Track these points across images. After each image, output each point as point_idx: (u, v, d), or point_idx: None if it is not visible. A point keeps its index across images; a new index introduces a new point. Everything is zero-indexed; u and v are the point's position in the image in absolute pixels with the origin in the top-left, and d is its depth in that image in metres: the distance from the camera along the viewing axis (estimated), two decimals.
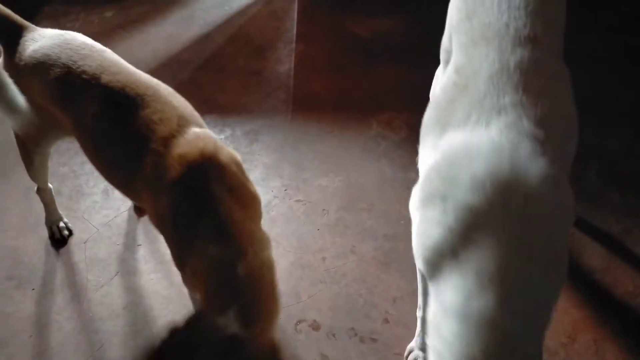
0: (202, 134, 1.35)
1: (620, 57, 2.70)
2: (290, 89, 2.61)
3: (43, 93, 1.49)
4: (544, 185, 1.02)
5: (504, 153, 1.04)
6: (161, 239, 1.42)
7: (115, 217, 2.07)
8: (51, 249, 1.98)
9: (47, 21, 3.00)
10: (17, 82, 1.46)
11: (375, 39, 2.88)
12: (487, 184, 1.01)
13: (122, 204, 2.11)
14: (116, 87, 1.39)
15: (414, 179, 1.30)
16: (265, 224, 1.99)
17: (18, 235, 2.02)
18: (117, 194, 2.14)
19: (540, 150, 1.05)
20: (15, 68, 1.51)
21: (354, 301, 1.80)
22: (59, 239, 1.99)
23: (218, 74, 2.70)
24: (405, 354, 1.64)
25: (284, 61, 2.77)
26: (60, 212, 2.01)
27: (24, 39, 1.54)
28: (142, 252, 1.96)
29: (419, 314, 1.58)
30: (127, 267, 1.91)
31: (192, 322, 1.16)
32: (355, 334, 1.71)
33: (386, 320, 1.74)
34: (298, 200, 2.12)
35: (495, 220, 0.99)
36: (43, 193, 1.93)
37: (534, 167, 1.03)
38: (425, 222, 1.12)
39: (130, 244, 1.98)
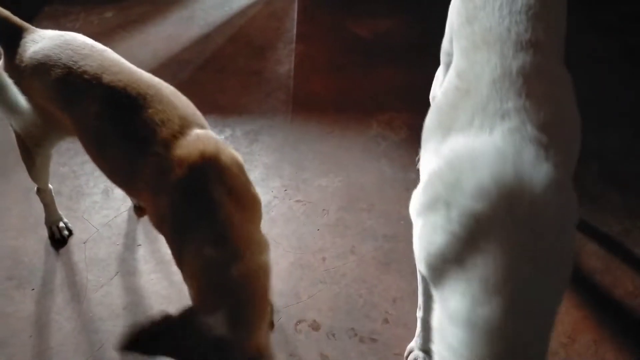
0: (203, 135, 1.35)
1: (620, 57, 2.70)
2: (290, 89, 2.61)
3: (44, 94, 1.49)
4: (548, 191, 1.01)
5: (508, 159, 1.04)
6: (161, 239, 1.42)
7: (115, 217, 2.07)
8: (51, 249, 1.98)
9: (47, 21, 3.00)
10: (18, 84, 1.46)
11: (376, 39, 2.88)
12: (492, 191, 1.00)
13: (122, 204, 2.11)
14: (118, 86, 1.38)
15: (414, 179, 1.30)
16: (265, 224, 2.00)
17: (18, 235, 2.02)
18: (117, 194, 2.14)
19: (544, 156, 1.05)
20: (16, 69, 1.51)
21: (354, 301, 1.80)
22: (58, 239, 1.99)
23: (218, 74, 2.70)
24: (405, 354, 1.64)
25: (284, 61, 2.77)
26: (60, 212, 2.01)
27: (24, 40, 1.54)
28: (142, 252, 1.96)
29: (419, 314, 1.58)
30: (127, 267, 1.91)
31: (182, 320, 1.15)
32: (355, 334, 1.71)
33: (386, 321, 1.74)
34: (298, 201, 2.12)
35: (500, 226, 0.99)
36: (43, 194, 1.93)
37: (538, 173, 1.02)
38: (429, 228, 1.11)
39: (130, 244, 1.98)
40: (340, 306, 1.79)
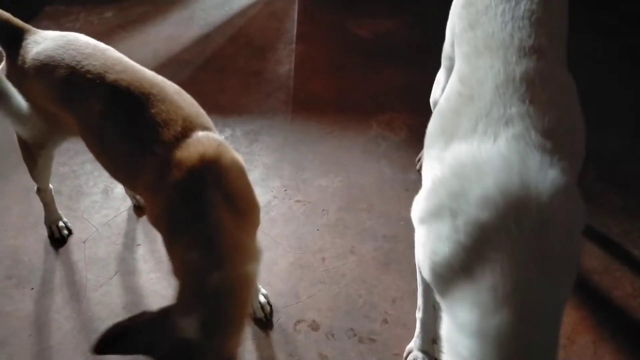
0: (205, 137, 1.33)
1: (620, 57, 2.70)
2: (291, 90, 2.61)
3: (48, 94, 1.49)
4: (554, 198, 1.00)
5: (514, 167, 1.03)
6: (160, 238, 1.42)
7: (114, 216, 2.07)
8: (50, 249, 1.98)
9: (47, 21, 3.01)
10: (21, 85, 1.46)
11: (376, 40, 2.88)
12: (498, 199, 0.99)
13: (121, 203, 2.11)
14: (121, 85, 1.38)
15: (414, 180, 1.29)
16: (265, 224, 2.00)
17: (18, 235, 2.03)
18: (116, 193, 2.14)
19: (549, 162, 1.04)
20: (19, 71, 1.51)
21: (354, 301, 1.80)
22: (58, 239, 1.99)
23: (218, 74, 2.70)
24: (405, 354, 1.64)
25: (284, 62, 2.77)
26: (60, 211, 2.02)
27: (26, 42, 1.54)
28: (141, 251, 1.96)
29: (418, 315, 1.58)
30: (126, 267, 1.91)
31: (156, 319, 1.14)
32: (355, 334, 1.72)
33: (385, 321, 1.74)
34: (298, 201, 2.12)
35: (507, 235, 0.98)
36: (43, 193, 1.93)
37: (544, 180, 1.01)
38: (433, 237, 1.10)
39: (129, 244, 1.99)
40: (339, 306, 1.79)
